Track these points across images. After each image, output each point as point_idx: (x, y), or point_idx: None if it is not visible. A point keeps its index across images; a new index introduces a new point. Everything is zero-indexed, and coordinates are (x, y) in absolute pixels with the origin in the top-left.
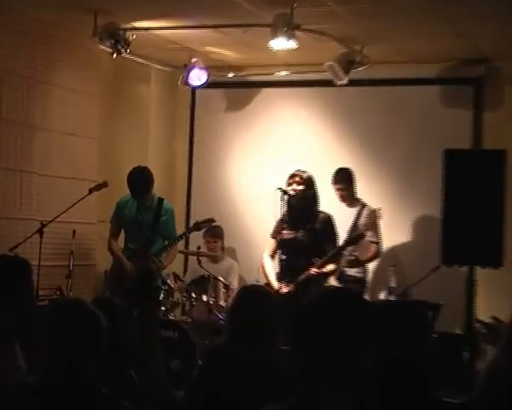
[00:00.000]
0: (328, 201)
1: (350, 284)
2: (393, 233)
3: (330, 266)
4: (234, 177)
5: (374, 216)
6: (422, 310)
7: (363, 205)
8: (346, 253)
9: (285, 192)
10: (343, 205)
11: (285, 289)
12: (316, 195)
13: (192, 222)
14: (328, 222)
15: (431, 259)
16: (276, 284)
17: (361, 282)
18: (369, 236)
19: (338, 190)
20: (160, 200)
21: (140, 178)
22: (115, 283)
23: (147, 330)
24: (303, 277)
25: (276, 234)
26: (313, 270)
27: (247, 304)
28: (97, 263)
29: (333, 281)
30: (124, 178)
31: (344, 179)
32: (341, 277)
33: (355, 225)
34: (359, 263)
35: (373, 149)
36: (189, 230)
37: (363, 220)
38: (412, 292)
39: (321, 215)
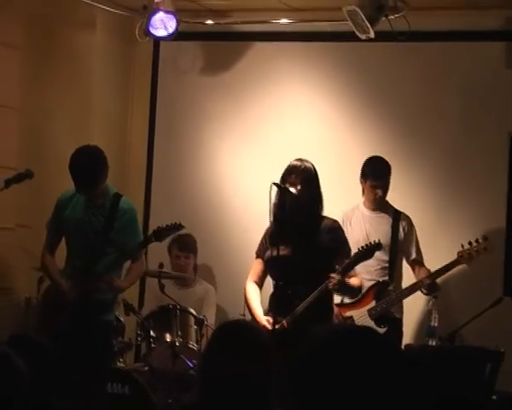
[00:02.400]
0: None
1: (386, 324)
2: (435, 253)
3: (355, 280)
4: (213, 167)
5: (414, 227)
6: (477, 361)
7: (397, 212)
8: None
9: (283, 189)
10: (365, 210)
11: (269, 325)
12: (319, 194)
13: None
14: (337, 231)
15: (489, 288)
16: (262, 317)
17: (397, 322)
18: (414, 254)
19: (376, 187)
20: (117, 196)
21: (88, 163)
22: (48, 315)
23: (87, 387)
24: (304, 304)
25: (263, 251)
26: (333, 276)
27: (227, 348)
28: (15, 286)
29: (365, 319)
30: (55, 164)
31: (386, 174)
32: (382, 314)
33: (395, 240)
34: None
35: (409, 131)
36: (146, 240)
37: (404, 234)
38: (462, 335)
39: (325, 222)
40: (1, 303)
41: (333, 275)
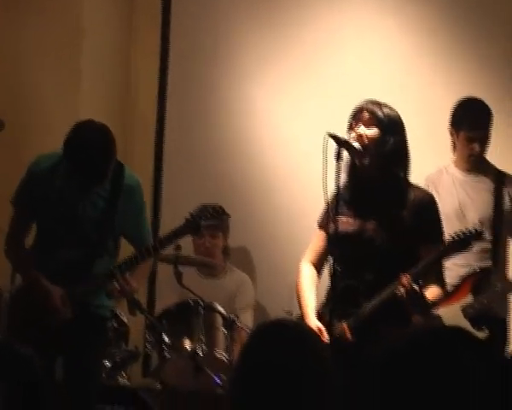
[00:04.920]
0: None
1: (486, 326)
2: None
3: (435, 290)
4: (247, 118)
5: None
6: None
7: (501, 173)
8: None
9: (342, 143)
10: (456, 171)
11: (320, 333)
12: (405, 149)
13: (165, 213)
14: (430, 208)
15: None
16: (311, 319)
17: (500, 324)
18: None
19: (472, 140)
20: (118, 169)
21: (102, 149)
22: (21, 320)
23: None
24: (373, 304)
25: (327, 223)
26: (404, 281)
27: (268, 357)
28: None
29: (458, 318)
30: (35, 115)
31: (486, 122)
32: (481, 313)
33: (500, 213)
34: None
35: None
36: (178, 231)
37: (511, 203)
38: None
39: (415, 193)
40: None
41: (404, 278)
